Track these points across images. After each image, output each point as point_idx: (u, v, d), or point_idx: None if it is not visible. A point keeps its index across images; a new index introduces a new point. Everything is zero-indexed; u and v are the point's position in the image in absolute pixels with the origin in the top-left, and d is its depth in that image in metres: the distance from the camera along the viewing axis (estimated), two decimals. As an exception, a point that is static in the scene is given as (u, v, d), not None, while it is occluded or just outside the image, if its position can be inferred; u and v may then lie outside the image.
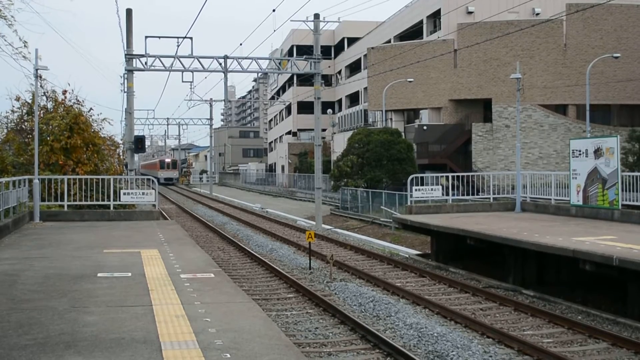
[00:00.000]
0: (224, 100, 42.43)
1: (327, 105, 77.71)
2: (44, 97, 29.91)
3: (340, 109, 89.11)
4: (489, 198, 28.31)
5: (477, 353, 11.73)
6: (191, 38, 34.53)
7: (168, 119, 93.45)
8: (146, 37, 34.32)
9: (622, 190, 21.18)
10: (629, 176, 22.00)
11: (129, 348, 7.40)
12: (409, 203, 26.30)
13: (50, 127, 27.50)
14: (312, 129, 45.63)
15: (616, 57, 49.22)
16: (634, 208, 21.51)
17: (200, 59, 35.16)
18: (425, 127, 58.42)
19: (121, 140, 45.19)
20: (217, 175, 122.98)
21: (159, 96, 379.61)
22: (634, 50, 56.06)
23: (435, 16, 63.46)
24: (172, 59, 34.77)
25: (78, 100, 29.89)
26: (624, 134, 46.02)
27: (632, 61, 55.81)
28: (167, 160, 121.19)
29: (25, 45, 26.84)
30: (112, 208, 24.10)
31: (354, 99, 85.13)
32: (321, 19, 37.91)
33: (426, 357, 11.78)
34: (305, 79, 72.40)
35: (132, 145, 33.49)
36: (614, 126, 56.09)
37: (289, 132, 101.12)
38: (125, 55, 33.57)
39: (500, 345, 12.46)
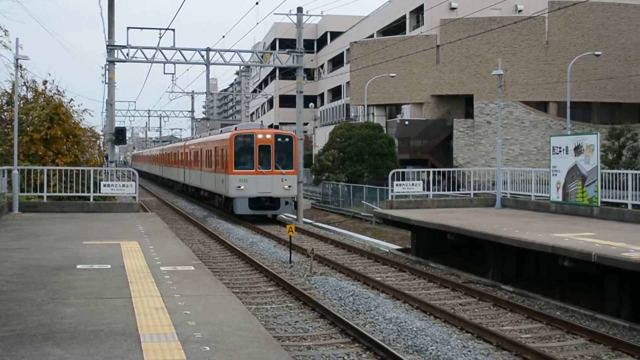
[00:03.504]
0: (206, 92, 42.33)
1: (309, 99, 77.76)
2: (24, 87, 29.74)
3: (322, 103, 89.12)
4: (470, 194, 28.44)
5: (456, 348, 11.77)
6: (173, 30, 34.50)
7: (149, 110, 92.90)
8: (128, 28, 34.17)
9: (602, 188, 21.32)
10: (609, 173, 22.14)
11: (107, 340, 7.38)
12: (389, 198, 26.36)
13: (30, 117, 27.32)
14: (294, 123, 45.60)
15: (597, 55, 49.53)
16: (613, 205, 21.67)
17: (183, 51, 35.02)
18: (406, 122, 58.54)
19: (102, 131, 45.01)
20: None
21: (140, 88, 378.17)
22: (615, 49, 56.43)
23: (419, 11, 63.57)
24: (154, 50, 34.62)
25: (58, 91, 29.78)
26: (604, 131, 46.32)
27: (612, 59, 56.19)
28: (264, 135, 33.22)
29: (5, 34, 26.71)
30: (92, 200, 23.97)
31: (336, 93, 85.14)
32: (304, 12, 37.85)
33: (405, 351, 11.81)
34: (287, 73, 72.24)
35: (112, 136, 33.31)
36: (594, 124, 56.47)
37: (270, 126, 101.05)
38: (107, 46, 33.37)
39: (479, 340, 12.52)
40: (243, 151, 32.63)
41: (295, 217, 34.72)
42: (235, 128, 34.61)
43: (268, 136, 32.72)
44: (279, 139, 32.84)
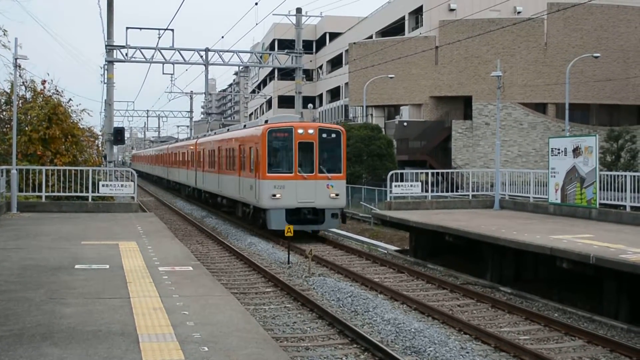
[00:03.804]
0: (205, 93, 42.60)
1: (307, 100, 77.78)
2: (23, 87, 29.70)
3: (321, 104, 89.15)
4: (468, 195, 28.46)
5: (454, 349, 11.77)
6: (172, 30, 34.72)
7: (148, 111, 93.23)
8: (127, 28, 34.34)
9: (600, 189, 21.34)
10: (607, 175, 22.16)
11: (106, 340, 7.37)
12: (388, 199, 26.37)
13: (29, 117, 27.32)
14: (293, 124, 45.52)
15: (596, 57, 49.59)
16: (611, 207, 21.69)
17: (182, 51, 35.12)
18: (405, 124, 58.58)
19: (100, 131, 45.00)
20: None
21: (139, 88, 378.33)
22: (613, 51, 56.48)
23: (418, 12, 63.65)
24: (153, 50, 34.73)
25: (57, 91, 29.73)
26: (602, 133, 46.40)
27: (611, 61, 56.22)
28: (305, 129, 26.41)
29: (4, 34, 26.73)
30: (90, 200, 23.96)
31: (334, 94, 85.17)
32: (303, 13, 37.94)
33: (404, 352, 11.81)
34: (286, 73, 72.34)
35: (111, 136, 33.34)
36: (592, 125, 56.55)
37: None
38: (106, 46, 33.42)
39: (477, 342, 12.52)
40: (279, 150, 26.44)
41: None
42: (266, 121, 28.93)
43: (310, 131, 26.25)
44: (324, 135, 26.50)
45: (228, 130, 37.23)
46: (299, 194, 25.71)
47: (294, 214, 25.66)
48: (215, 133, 40.82)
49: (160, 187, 66.21)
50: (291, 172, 25.74)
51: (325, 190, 25.94)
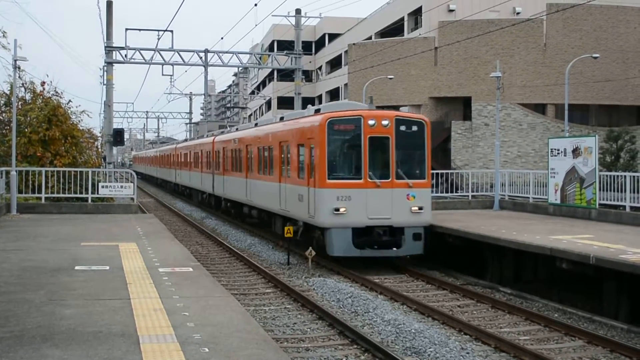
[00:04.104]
0: (204, 94, 42.56)
1: (307, 101, 77.51)
2: (22, 89, 29.72)
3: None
4: (468, 196, 28.47)
5: (455, 349, 11.77)
6: (172, 31, 34.61)
7: (147, 112, 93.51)
8: (127, 29, 34.39)
9: (600, 190, 21.37)
10: (606, 176, 22.19)
11: (106, 341, 7.37)
12: (388, 200, 26.27)
13: (29, 118, 27.34)
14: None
15: (595, 58, 49.53)
16: (611, 207, 21.72)
17: (181, 53, 35.11)
18: (405, 124, 58.48)
19: (100, 132, 45.02)
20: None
21: (138, 89, 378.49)
22: (613, 51, 56.44)
23: (417, 13, 63.65)
24: (153, 52, 34.72)
25: (57, 92, 29.74)
26: (601, 133, 46.37)
27: (610, 62, 56.18)
28: (377, 119, 19.68)
29: (4, 35, 26.77)
30: (90, 201, 23.98)
31: (334, 95, 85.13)
32: (303, 14, 37.96)
33: (404, 353, 11.81)
34: (285, 74, 72.35)
35: (110, 137, 33.34)
36: (592, 126, 56.50)
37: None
38: (105, 47, 33.45)
39: (478, 342, 12.52)
40: (343, 147, 20.20)
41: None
42: (317, 110, 22.36)
43: (385, 122, 19.65)
44: (403, 127, 20.01)
45: (256, 125, 31.31)
46: (370, 207, 19.49)
47: (364, 235, 19.64)
48: (237, 129, 35.41)
49: (161, 190, 66.11)
50: (360, 178, 19.56)
51: (405, 202, 19.79)
